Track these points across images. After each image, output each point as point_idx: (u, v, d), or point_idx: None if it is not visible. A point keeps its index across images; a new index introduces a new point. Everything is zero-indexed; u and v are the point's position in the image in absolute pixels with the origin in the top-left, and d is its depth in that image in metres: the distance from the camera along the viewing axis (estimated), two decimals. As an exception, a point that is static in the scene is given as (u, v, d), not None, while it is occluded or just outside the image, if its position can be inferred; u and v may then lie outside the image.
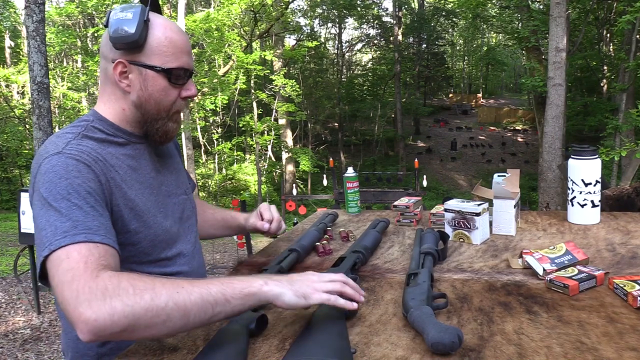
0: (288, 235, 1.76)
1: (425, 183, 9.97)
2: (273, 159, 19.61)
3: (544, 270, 1.20)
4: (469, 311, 1.07)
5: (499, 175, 1.67)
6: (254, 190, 18.55)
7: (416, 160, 10.42)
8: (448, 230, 1.52)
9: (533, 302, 1.09)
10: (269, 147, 18.87)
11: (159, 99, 1.17)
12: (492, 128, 28.12)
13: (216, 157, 20.41)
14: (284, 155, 19.63)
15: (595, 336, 0.94)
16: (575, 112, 19.04)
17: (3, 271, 6.40)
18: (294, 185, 18.76)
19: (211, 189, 19.22)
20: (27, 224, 4.18)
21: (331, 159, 11.44)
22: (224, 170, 20.67)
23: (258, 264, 1.40)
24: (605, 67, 17.91)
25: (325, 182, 11.60)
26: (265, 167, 18.48)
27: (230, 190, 19.85)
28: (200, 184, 18.42)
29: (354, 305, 1.02)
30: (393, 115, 24.16)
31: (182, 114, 1.25)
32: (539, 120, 11.61)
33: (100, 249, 0.97)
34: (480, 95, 36.77)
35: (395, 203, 1.75)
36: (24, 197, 4.18)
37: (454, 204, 1.51)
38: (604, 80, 18.12)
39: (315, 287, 1.00)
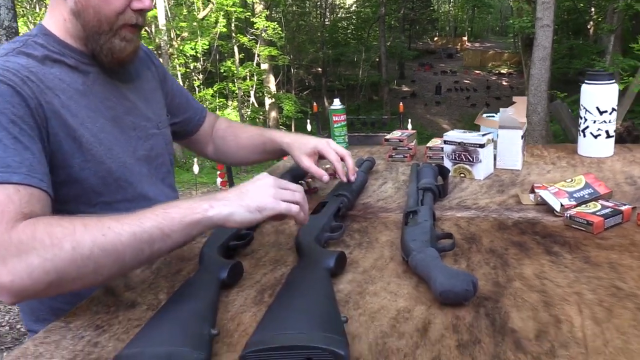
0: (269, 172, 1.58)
1: (410, 127, 9.80)
2: (256, 105, 19.21)
3: (562, 205, 1.05)
4: (479, 253, 0.91)
5: (487, 117, 1.51)
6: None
7: (401, 104, 10.19)
8: (447, 164, 1.35)
9: (552, 242, 0.94)
10: (252, 93, 18.47)
11: (99, 6, 0.96)
12: (477, 72, 27.79)
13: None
14: (267, 101, 19.22)
15: (632, 280, 0.79)
16: (561, 55, 18.77)
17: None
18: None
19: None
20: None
21: (315, 104, 11.16)
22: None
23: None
24: (592, 9, 17.55)
25: (309, 128, 11.39)
26: (249, 113, 18.11)
27: (212, 137, 19.49)
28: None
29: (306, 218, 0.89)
30: (377, 60, 23.66)
31: (137, 35, 1.03)
32: (526, 62, 11.39)
33: (22, 193, 0.79)
34: (465, 38, 36.14)
35: (388, 137, 1.57)
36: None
37: (455, 134, 1.34)
38: (591, 23, 17.79)
39: (270, 194, 0.84)
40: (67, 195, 0.98)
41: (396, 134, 1.59)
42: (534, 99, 9.19)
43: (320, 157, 1.22)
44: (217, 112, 20.96)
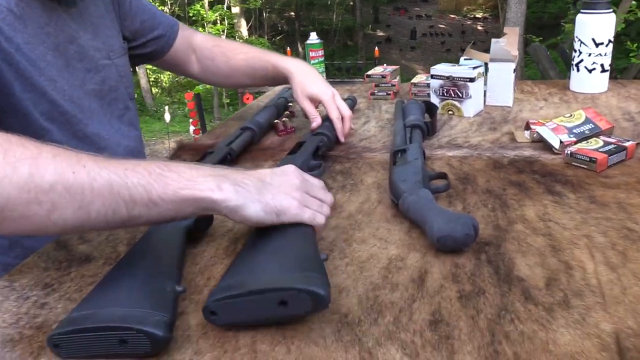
0: (241, 113, 1.46)
1: (386, 72, 9.61)
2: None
3: (561, 142, 0.96)
4: (475, 194, 0.83)
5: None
6: (210, 85, 17.79)
7: (376, 48, 9.97)
8: (435, 100, 1.25)
9: (553, 181, 0.86)
10: (223, 37, 17.91)
11: None
12: (452, 16, 27.35)
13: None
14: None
15: (645, 220, 0.72)
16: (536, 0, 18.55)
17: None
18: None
19: (164, 84, 18.36)
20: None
21: (289, 49, 10.87)
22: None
23: (203, 148, 1.11)
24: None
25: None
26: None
27: (184, 84, 19.04)
28: (152, 79, 17.51)
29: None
30: (352, 3, 23.04)
31: None
32: (501, 6, 11.18)
33: None
34: (441, -19, 35.38)
35: (369, 72, 1.45)
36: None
37: (443, 68, 1.23)
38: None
39: (297, 198, 0.66)
40: (13, 127, 0.85)
41: (378, 69, 1.47)
42: (510, 43, 9.06)
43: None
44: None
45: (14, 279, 0.72)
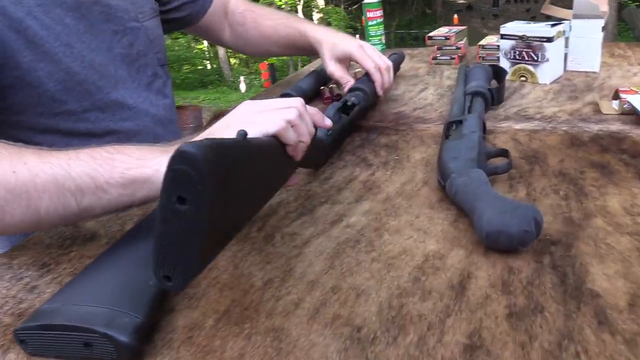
0: (290, 79, 1.35)
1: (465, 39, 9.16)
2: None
3: (660, 114, 0.78)
4: (544, 177, 0.67)
5: None
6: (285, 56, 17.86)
7: (455, 16, 9.50)
8: (504, 64, 1.08)
9: (647, 163, 0.69)
10: (299, 7, 17.86)
11: None
12: (540, -20, 25.66)
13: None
14: (315, 17, 18.53)
15: None
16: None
17: None
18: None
19: (241, 55, 18.64)
20: None
21: (363, 18, 10.57)
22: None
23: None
24: None
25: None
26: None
27: (260, 55, 19.16)
28: (229, 52, 17.79)
29: (297, 153, 0.59)
30: (432, -31, 22.09)
31: None
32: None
33: None
34: (530, -57, 33.16)
35: (431, 34, 1.29)
36: None
37: (515, 26, 1.05)
38: None
39: (251, 121, 0.56)
40: (21, 102, 0.79)
41: (442, 30, 1.30)
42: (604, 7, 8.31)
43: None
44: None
45: (15, 255, 0.66)
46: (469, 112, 0.82)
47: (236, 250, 0.60)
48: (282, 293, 0.52)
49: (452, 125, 0.78)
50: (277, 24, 1.10)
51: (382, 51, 1.46)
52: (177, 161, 0.37)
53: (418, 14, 21.88)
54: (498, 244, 0.51)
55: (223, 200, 0.41)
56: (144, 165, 0.56)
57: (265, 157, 0.52)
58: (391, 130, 0.89)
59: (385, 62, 0.97)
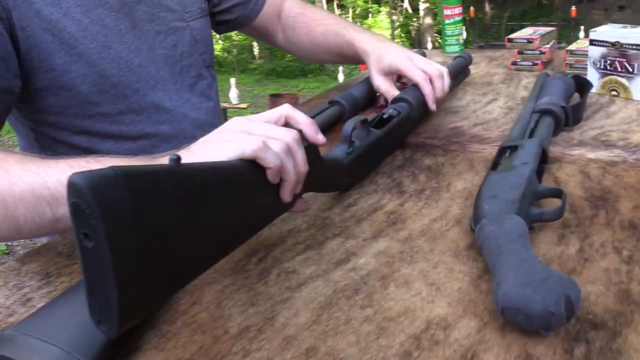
0: (348, 82, 1.26)
1: (582, 35, 8.44)
2: (410, 10, 18.19)
3: None
4: (608, 228, 0.54)
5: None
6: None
7: (573, 7, 8.78)
8: (592, 75, 0.92)
9: None
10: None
11: None
12: (680, -31, 23.12)
13: (350, 10, 19.79)
14: (422, 7, 18.06)
15: None
16: None
17: None
18: (429, 38, 17.39)
19: (344, 44, 18.66)
20: None
21: (472, 8, 10.10)
22: (358, 24, 19.93)
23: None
24: None
25: (464, 35, 10.56)
26: (400, 20, 17.24)
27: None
28: (332, 39, 17.86)
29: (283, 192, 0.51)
30: (553, -44, 20.65)
31: None
32: None
33: None
34: None
35: (512, 36, 1.14)
36: None
37: (607, 30, 0.89)
38: None
39: (227, 139, 0.49)
40: (56, 104, 0.78)
41: (526, 31, 1.15)
42: None
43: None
44: (370, 19, 20.50)
45: (27, 260, 0.64)
46: (531, 135, 0.69)
47: (227, 283, 0.54)
48: (253, 347, 0.45)
49: (505, 152, 0.66)
50: (328, 30, 1.02)
51: (461, 52, 1.33)
52: (70, 193, 0.32)
53: (534, 5, 20.59)
54: (516, 323, 0.40)
55: (147, 236, 0.35)
56: None
57: (233, 185, 0.45)
58: (439, 150, 0.78)
59: (437, 69, 0.86)
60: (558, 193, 0.56)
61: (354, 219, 0.63)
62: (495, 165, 0.64)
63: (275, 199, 0.51)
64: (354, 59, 1.00)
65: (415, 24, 18.52)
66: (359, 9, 19.99)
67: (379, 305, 0.47)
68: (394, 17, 16.50)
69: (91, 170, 0.33)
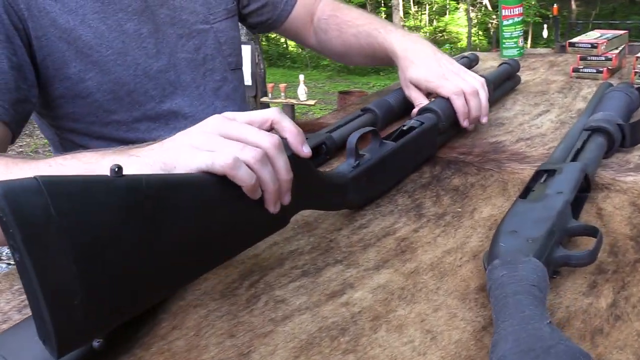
0: (390, 87, 1.19)
1: (677, 35, 7.78)
2: (489, 7, 17.58)
3: None
4: (653, 277, 0.45)
5: None
6: (464, 44, 17.15)
7: (671, 5, 8.11)
8: (663, 89, 0.81)
9: None
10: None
11: None
12: None
13: (427, 7, 19.45)
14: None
15: None
16: None
17: None
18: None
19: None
20: None
21: (556, 5, 9.59)
22: (434, 22, 19.58)
23: (315, 130, 0.89)
24: None
25: (545, 34, 10.07)
26: (479, 16, 16.71)
27: (440, 42, 18.71)
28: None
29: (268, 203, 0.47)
30: (650, -50, 19.21)
31: None
32: None
33: None
34: None
35: (574, 39, 1.03)
36: None
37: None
38: None
39: (191, 143, 0.46)
40: (73, 112, 0.78)
41: (592, 35, 1.04)
42: None
43: None
44: (447, 16, 20.02)
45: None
46: (575, 158, 0.61)
47: (213, 308, 0.50)
48: (219, 389, 0.40)
49: (541, 176, 0.58)
50: (359, 32, 0.95)
51: (519, 56, 1.22)
52: None
53: (625, 1, 19.28)
54: (508, 398, 0.34)
55: (77, 250, 0.33)
56: (93, 169, 0.49)
57: (194, 201, 0.41)
58: (472, 168, 0.70)
59: (470, 84, 0.77)
60: (593, 232, 0.48)
61: (361, 244, 0.57)
62: (526, 191, 0.56)
63: (261, 213, 0.46)
64: (386, 62, 0.93)
65: (494, 22, 17.88)
66: (435, 6, 19.59)
67: (363, 352, 0.41)
68: (472, 15, 16.01)
69: (13, 180, 0.31)
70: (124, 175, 0.37)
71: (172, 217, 0.40)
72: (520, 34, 1.20)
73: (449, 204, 0.62)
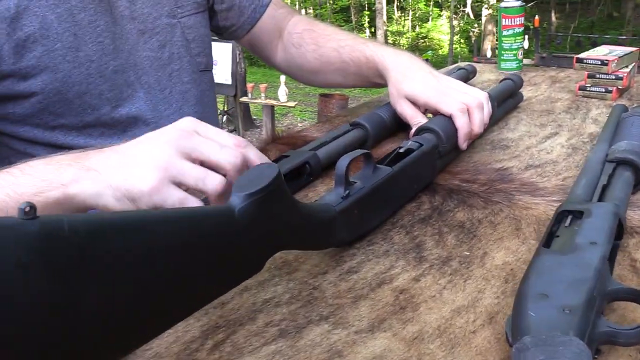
0: (384, 97, 1.10)
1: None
2: (472, 16, 17.76)
3: None
4: None
5: None
6: (445, 51, 17.29)
7: (649, 21, 8.22)
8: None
9: None
10: (468, 2, 17.16)
11: None
12: None
13: (410, 13, 19.65)
14: (484, 12, 17.58)
15: None
16: None
17: None
18: (489, 46, 16.89)
19: (403, 47, 18.42)
20: None
21: (537, 17, 9.67)
22: (417, 27, 19.79)
23: (297, 144, 0.79)
24: None
25: (526, 45, 10.19)
26: (461, 25, 16.86)
27: (421, 49, 18.81)
28: (390, 41, 17.64)
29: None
30: (627, -33, 19.64)
31: None
32: None
33: None
34: None
35: (582, 55, 0.95)
36: None
37: None
38: None
39: (159, 166, 0.45)
40: (14, 113, 0.67)
41: (600, 50, 0.96)
42: None
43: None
44: (430, 22, 20.19)
45: None
46: (601, 197, 0.52)
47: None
48: None
49: (564, 217, 0.49)
50: (342, 46, 0.85)
51: (518, 69, 1.14)
52: None
53: (602, 16, 19.61)
54: None
55: None
56: (51, 185, 0.46)
57: (144, 247, 0.32)
58: (478, 200, 0.61)
59: (475, 97, 0.68)
60: (637, 296, 0.39)
61: (351, 295, 0.47)
62: (549, 238, 0.47)
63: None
64: (372, 79, 0.84)
65: (476, 30, 18.06)
66: (419, 12, 19.73)
67: None
68: (454, 22, 16.13)
69: None
70: (38, 217, 0.27)
71: (107, 270, 0.30)
72: (521, 45, 1.12)
73: (454, 244, 0.53)
